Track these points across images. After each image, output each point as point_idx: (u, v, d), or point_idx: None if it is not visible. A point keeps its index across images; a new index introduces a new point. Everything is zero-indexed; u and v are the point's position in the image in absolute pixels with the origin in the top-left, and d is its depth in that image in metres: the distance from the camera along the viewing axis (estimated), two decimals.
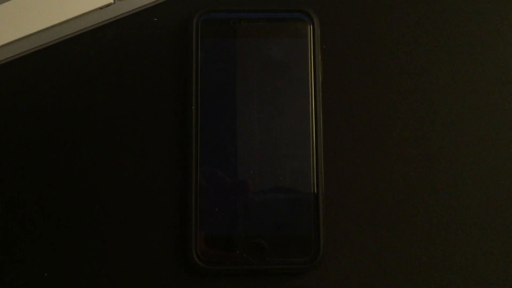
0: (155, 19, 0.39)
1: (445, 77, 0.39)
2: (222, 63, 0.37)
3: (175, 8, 0.39)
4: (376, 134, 0.38)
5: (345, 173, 0.38)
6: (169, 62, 0.38)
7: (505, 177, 0.38)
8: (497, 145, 0.38)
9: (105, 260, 0.36)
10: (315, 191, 0.36)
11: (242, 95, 0.37)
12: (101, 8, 0.37)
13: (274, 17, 0.38)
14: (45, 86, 0.38)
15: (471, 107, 0.38)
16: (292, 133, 0.37)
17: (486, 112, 0.38)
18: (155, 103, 0.38)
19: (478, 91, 0.38)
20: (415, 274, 0.37)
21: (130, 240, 0.37)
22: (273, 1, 0.39)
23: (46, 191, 0.37)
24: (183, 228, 0.36)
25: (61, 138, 0.37)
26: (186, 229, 0.36)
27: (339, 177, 0.37)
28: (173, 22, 0.38)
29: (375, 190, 0.37)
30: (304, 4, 0.38)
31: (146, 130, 0.38)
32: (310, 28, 0.38)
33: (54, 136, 0.37)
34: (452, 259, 0.37)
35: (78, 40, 0.38)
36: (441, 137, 0.38)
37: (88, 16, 0.37)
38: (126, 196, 0.37)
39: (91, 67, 0.38)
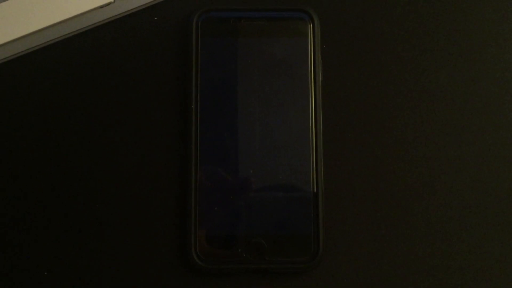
0: (155, 18, 0.39)
1: (446, 76, 0.39)
2: (222, 62, 0.37)
3: (175, 7, 0.39)
4: (376, 133, 0.38)
5: (345, 172, 0.38)
6: (169, 61, 0.38)
7: (505, 177, 0.38)
8: (498, 146, 0.38)
9: (104, 259, 0.36)
10: (315, 190, 0.36)
11: (242, 94, 0.37)
12: (101, 7, 0.37)
13: (275, 16, 0.38)
14: (44, 85, 0.38)
15: (472, 107, 0.38)
16: (292, 132, 0.37)
17: (487, 112, 0.38)
18: (155, 102, 0.38)
19: (479, 91, 0.38)
20: (414, 274, 0.37)
21: (130, 239, 0.37)
22: (274, 0, 0.39)
23: (45, 191, 0.37)
24: (183, 227, 0.36)
25: (60, 137, 0.37)
26: (185, 228, 0.36)
27: (339, 176, 0.37)
28: (173, 21, 0.38)
29: (374, 189, 0.37)
30: (304, 3, 0.38)
31: (146, 129, 0.38)
32: (310, 27, 0.38)
33: (53, 135, 0.37)
34: (452, 258, 0.37)
35: (78, 39, 0.38)
36: (441, 137, 0.38)
37: (88, 15, 0.37)
38: (125, 195, 0.37)
39: (91, 66, 0.38)
